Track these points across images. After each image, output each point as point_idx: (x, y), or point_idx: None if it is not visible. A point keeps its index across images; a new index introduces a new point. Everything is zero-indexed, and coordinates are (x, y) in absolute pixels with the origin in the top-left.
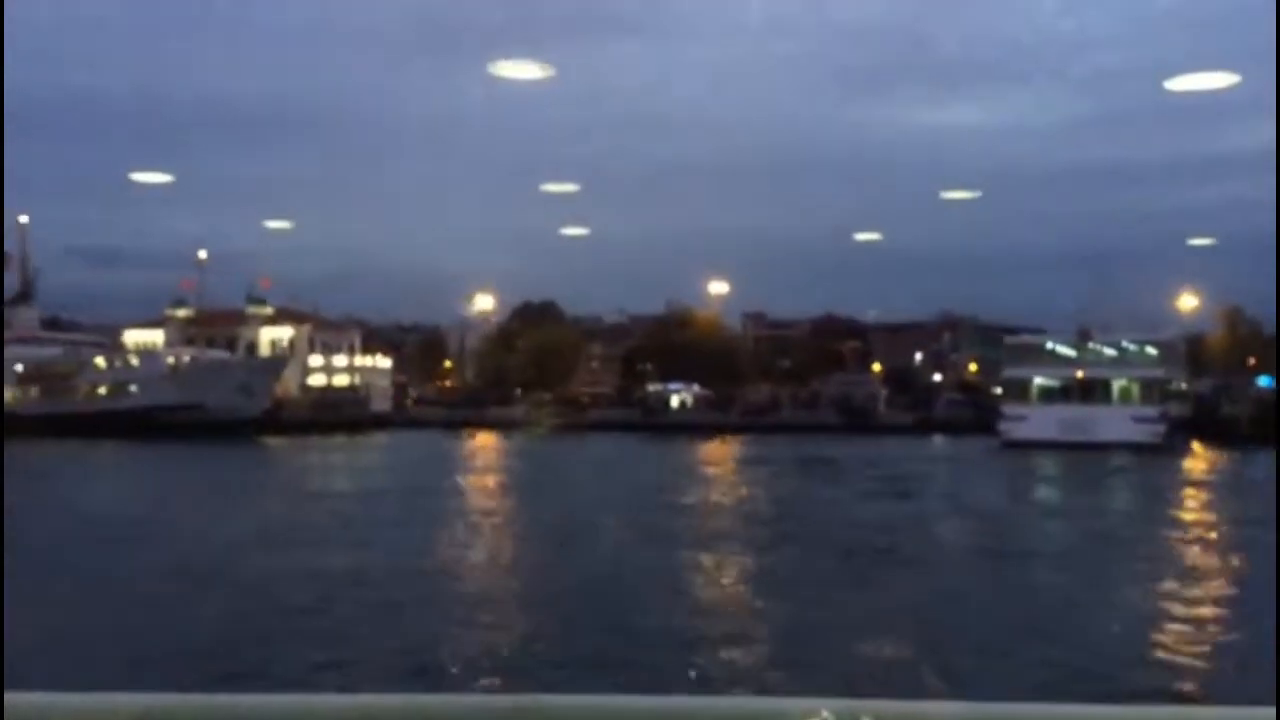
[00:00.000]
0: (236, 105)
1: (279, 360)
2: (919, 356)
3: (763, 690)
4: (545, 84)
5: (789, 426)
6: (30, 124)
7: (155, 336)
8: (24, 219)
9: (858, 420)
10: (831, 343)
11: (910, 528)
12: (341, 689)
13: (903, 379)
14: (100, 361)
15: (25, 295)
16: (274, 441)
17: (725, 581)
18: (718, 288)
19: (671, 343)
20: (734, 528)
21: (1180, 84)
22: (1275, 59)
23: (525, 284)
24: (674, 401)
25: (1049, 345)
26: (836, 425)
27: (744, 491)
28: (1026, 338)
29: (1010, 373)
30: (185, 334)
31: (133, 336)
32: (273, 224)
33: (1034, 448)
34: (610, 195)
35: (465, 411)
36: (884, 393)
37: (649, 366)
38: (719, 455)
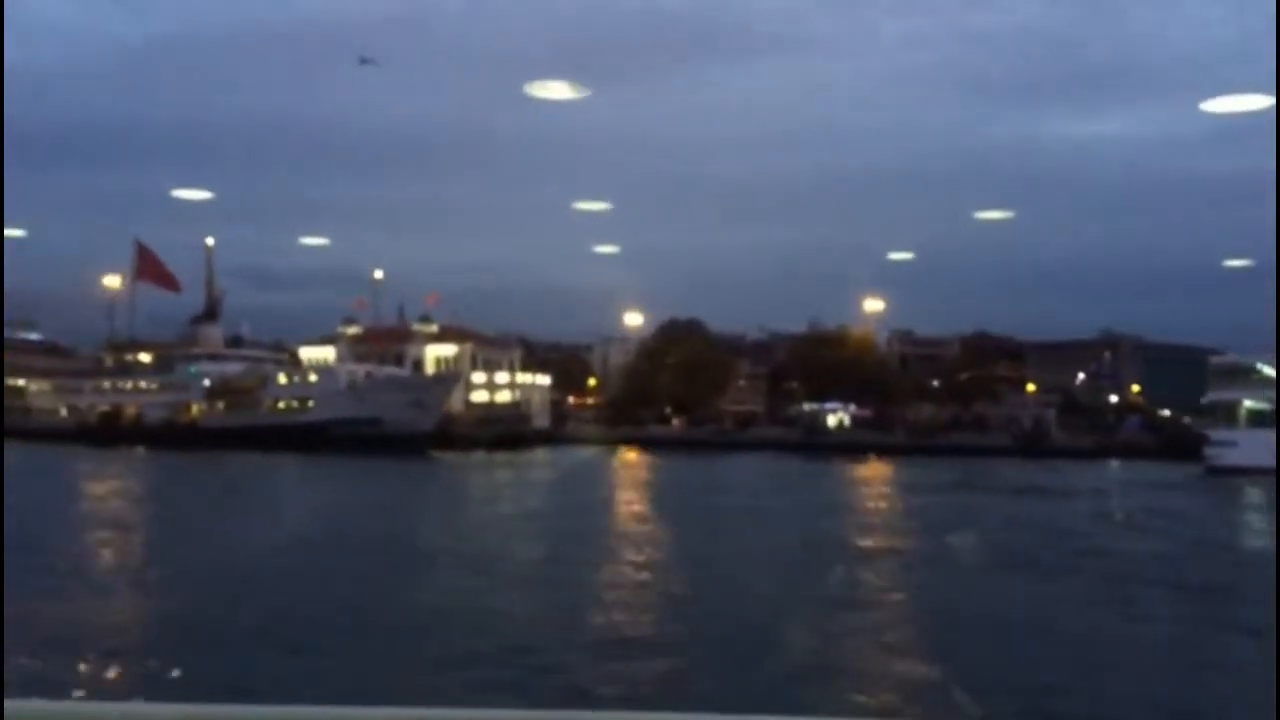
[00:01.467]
0: (366, 133)
1: (450, 376)
2: (1080, 376)
3: None
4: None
5: (957, 449)
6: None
7: (327, 353)
8: (210, 241)
9: (1030, 443)
10: (985, 361)
11: (1200, 559)
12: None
13: (1071, 401)
14: (283, 377)
15: (211, 314)
16: (448, 456)
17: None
18: (872, 305)
19: (821, 361)
20: (1011, 555)
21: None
22: (1275, 58)
23: (661, 302)
24: (830, 421)
25: (1257, 366)
26: (1007, 448)
27: (983, 519)
28: (1234, 358)
29: (1216, 395)
30: (355, 351)
31: (307, 353)
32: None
33: (1243, 474)
34: (746, 212)
35: (626, 429)
36: (1053, 414)
37: (795, 385)
38: (910, 479)
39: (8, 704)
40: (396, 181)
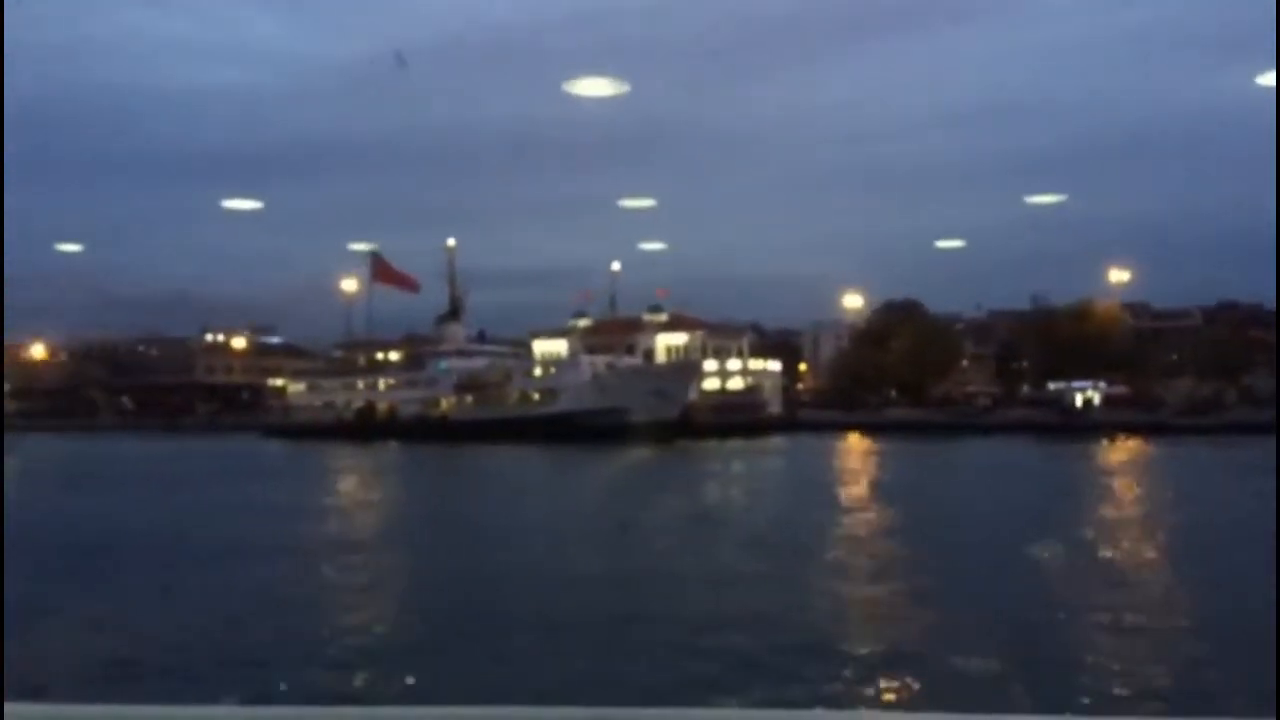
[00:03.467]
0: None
1: (692, 365)
2: None
3: None
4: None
5: (1240, 426)
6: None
7: (560, 346)
8: (451, 242)
9: None
10: (1234, 333)
11: None
12: None
13: None
14: (535, 371)
15: (455, 312)
16: (691, 445)
17: None
18: (1118, 276)
19: (1056, 338)
20: None
21: None
22: (1275, 57)
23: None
24: (1077, 400)
25: None
26: None
27: None
28: None
29: None
30: (586, 343)
31: (540, 347)
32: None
33: None
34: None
35: (859, 414)
36: None
37: (1025, 364)
38: (1215, 461)
39: (8, 707)
40: (576, 178)
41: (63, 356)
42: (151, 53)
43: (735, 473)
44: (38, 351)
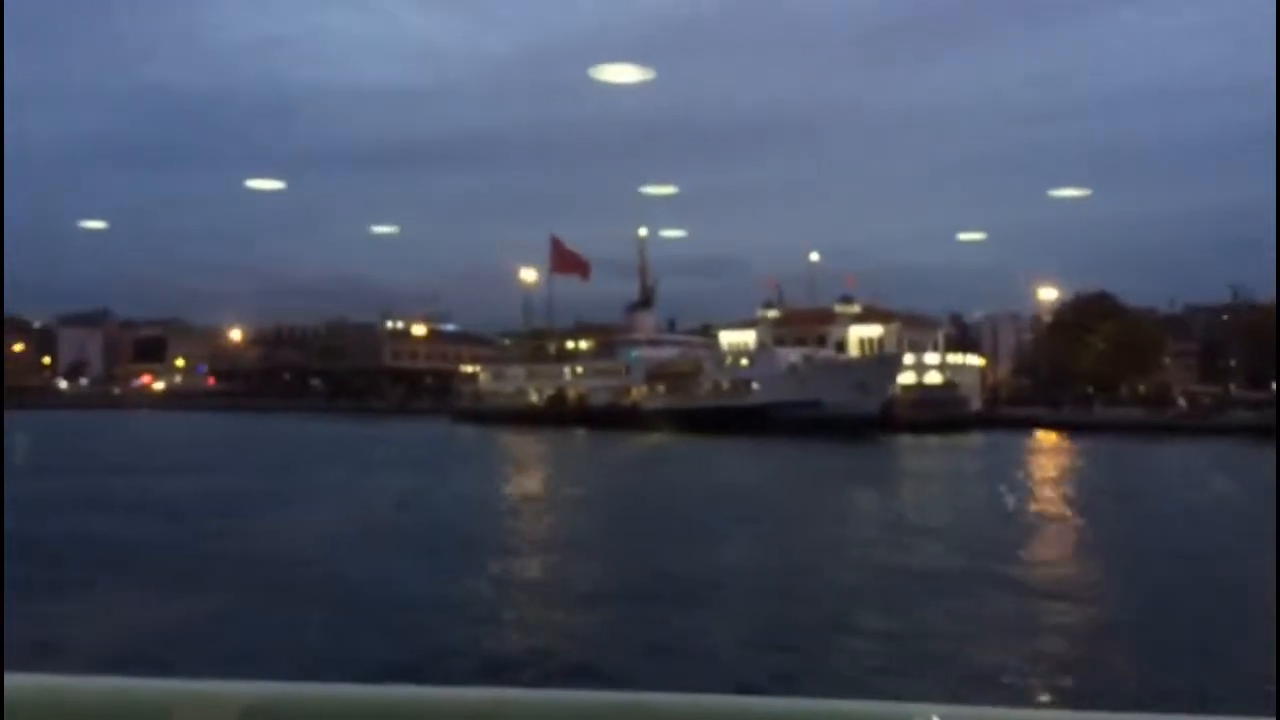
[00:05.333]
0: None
1: (893, 358)
2: None
3: None
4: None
5: None
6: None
7: (747, 337)
8: (643, 232)
9: None
10: None
11: None
12: None
13: None
14: (726, 361)
15: (646, 301)
16: (897, 440)
17: None
18: None
19: (1268, 334)
20: None
21: None
22: (1275, 56)
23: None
24: None
25: None
26: None
27: None
28: None
29: None
30: (775, 334)
31: (727, 337)
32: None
33: None
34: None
35: (1067, 411)
36: None
37: (1231, 363)
38: None
39: (8, 678)
40: (738, 167)
41: (256, 340)
42: (321, 50)
43: (951, 469)
44: (235, 335)
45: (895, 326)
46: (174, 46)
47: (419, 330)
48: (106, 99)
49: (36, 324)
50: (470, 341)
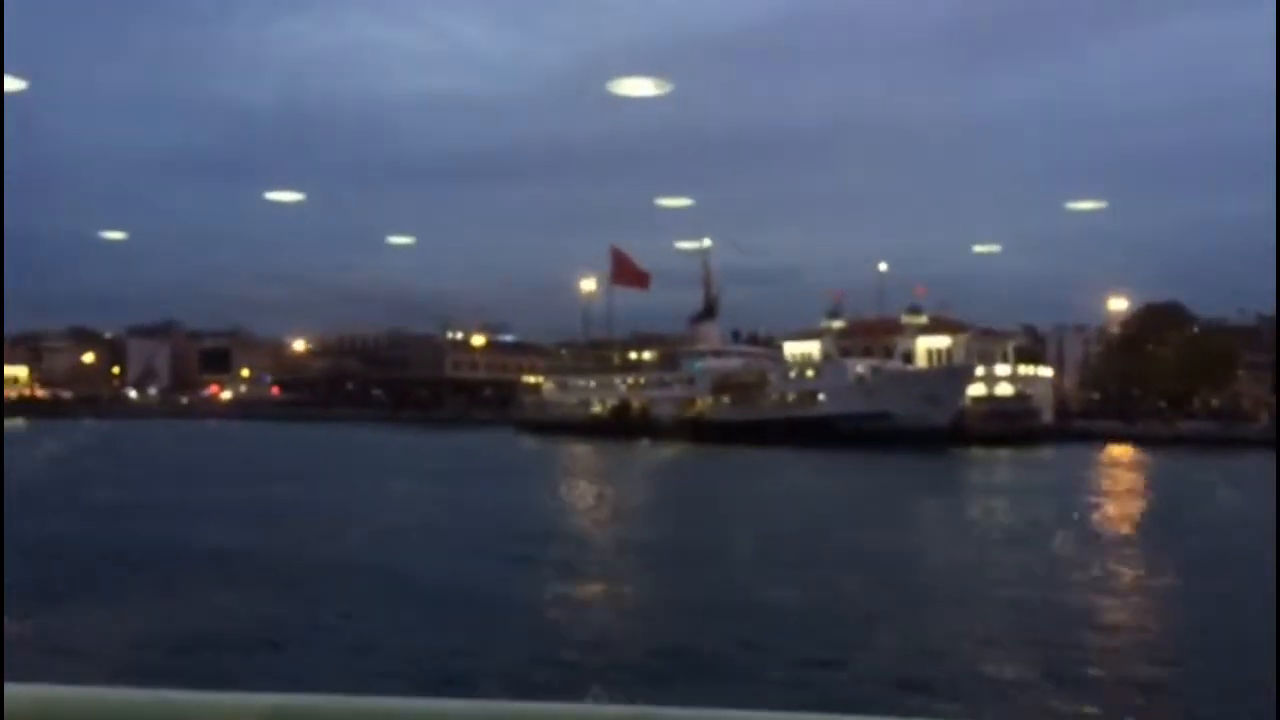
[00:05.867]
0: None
1: (965, 370)
2: None
3: None
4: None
5: None
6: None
7: (811, 347)
8: (706, 243)
9: None
10: None
11: None
12: None
13: None
14: (791, 372)
15: (710, 312)
16: (968, 453)
17: None
18: None
19: None
20: None
21: None
22: (1275, 56)
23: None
24: None
25: None
26: None
27: None
28: None
29: None
30: (840, 345)
31: (791, 348)
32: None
33: None
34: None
35: (1145, 424)
36: None
37: None
38: None
39: (8, 688)
40: (790, 176)
41: (318, 350)
42: (382, 63)
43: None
44: (298, 346)
45: (965, 337)
46: (241, 61)
47: (478, 341)
48: (177, 112)
49: (107, 334)
50: (527, 352)
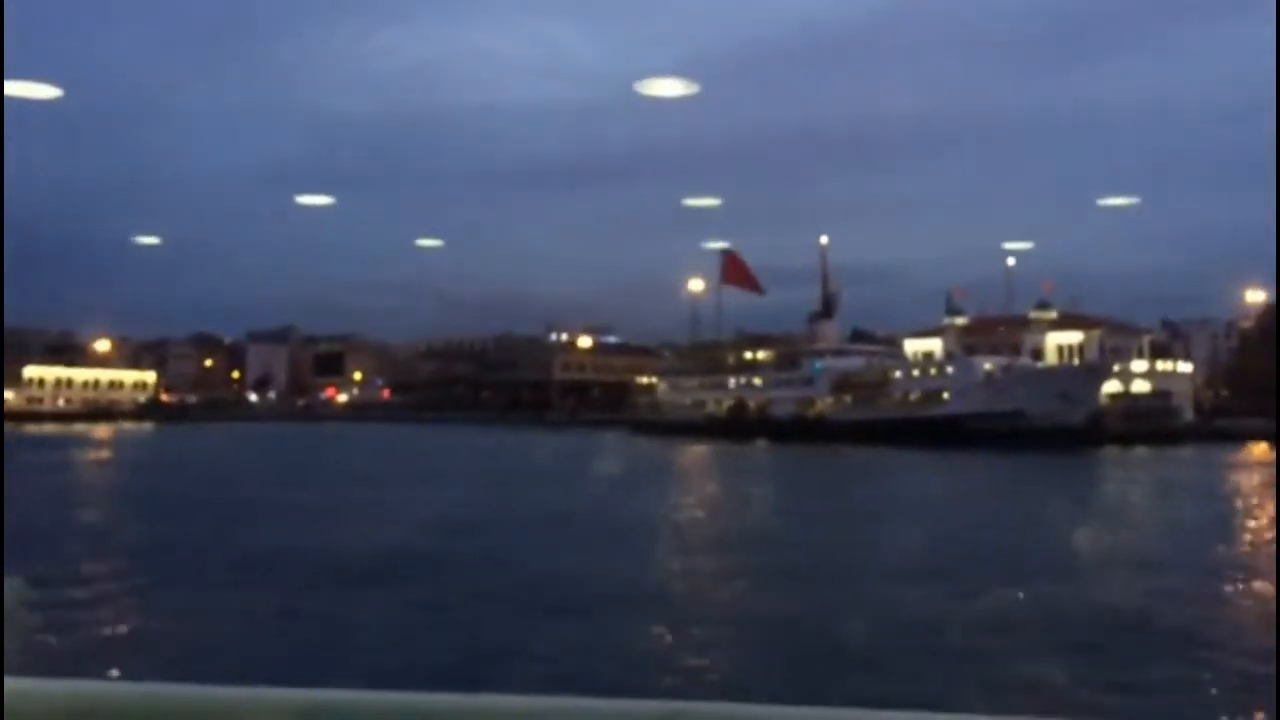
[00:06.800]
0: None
1: (1101, 366)
2: None
3: None
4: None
5: None
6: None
7: (932, 345)
8: (824, 239)
9: None
10: None
11: None
12: None
13: None
14: (915, 371)
15: (828, 311)
16: (1103, 453)
17: None
18: None
19: None
20: None
21: None
22: (1275, 57)
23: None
24: None
25: None
26: None
27: None
28: None
29: None
30: (964, 342)
31: (912, 345)
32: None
33: None
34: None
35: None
36: None
37: None
38: None
39: (8, 682)
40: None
41: (427, 354)
42: (480, 72)
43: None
44: (408, 350)
45: (1098, 333)
46: (342, 73)
47: (584, 342)
48: (283, 125)
49: (227, 340)
50: (632, 353)
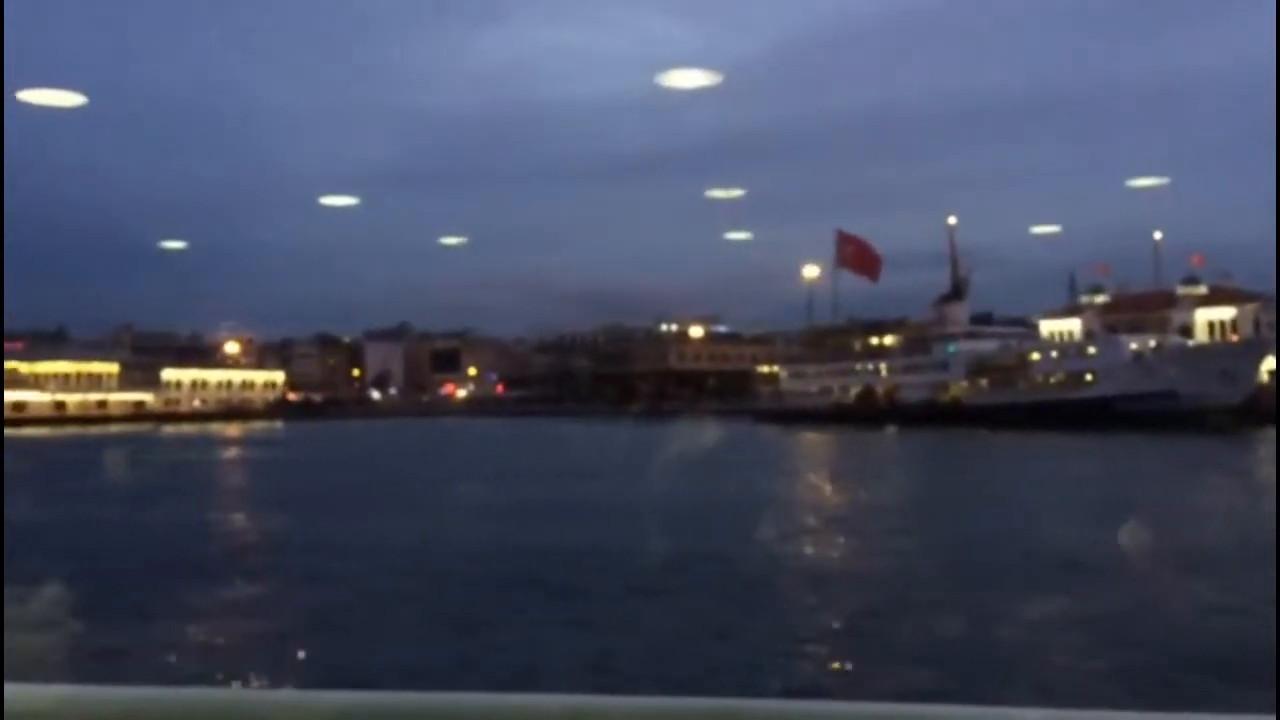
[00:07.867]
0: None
1: (1262, 342)
2: None
3: None
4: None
5: None
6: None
7: (1070, 325)
8: (952, 220)
9: None
10: None
11: None
12: None
13: None
14: (1055, 352)
15: (958, 293)
16: (1264, 434)
17: None
18: None
19: None
20: None
21: None
22: (1275, 56)
23: None
24: None
25: None
26: None
27: None
28: None
29: None
30: (1105, 320)
31: (1048, 326)
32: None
33: None
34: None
35: None
36: None
37: None
38: None
39: (8, 688)
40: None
41: (539, 348)
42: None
43: None
44: (522, 344)
45: (1253, 308)
46: (445, 74)
47: (696, 332)
48: (391, 126)
49: (345, 339)
50: (745, 342)
